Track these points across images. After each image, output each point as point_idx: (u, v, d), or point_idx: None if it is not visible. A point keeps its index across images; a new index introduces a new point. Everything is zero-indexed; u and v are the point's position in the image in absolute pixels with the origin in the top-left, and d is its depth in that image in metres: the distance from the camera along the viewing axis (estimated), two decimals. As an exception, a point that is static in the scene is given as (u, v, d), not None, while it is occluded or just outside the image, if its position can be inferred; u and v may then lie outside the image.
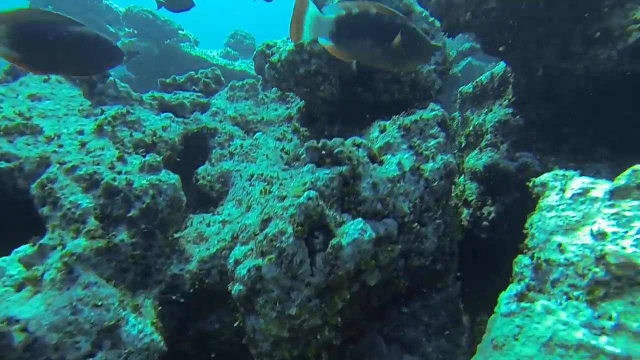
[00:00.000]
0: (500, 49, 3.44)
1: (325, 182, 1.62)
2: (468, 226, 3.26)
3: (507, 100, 3.63)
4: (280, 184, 2.21)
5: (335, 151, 1.69)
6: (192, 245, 2.35)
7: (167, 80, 3.69)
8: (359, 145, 1.78)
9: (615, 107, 2.97)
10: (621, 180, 1.50)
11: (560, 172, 1.78)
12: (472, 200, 3.27)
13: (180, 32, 8.54)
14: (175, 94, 3.32)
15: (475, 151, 3.45)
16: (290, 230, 1.53)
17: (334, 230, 1.58)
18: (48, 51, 1.70)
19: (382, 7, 1.70)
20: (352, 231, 1.56)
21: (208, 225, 2.43)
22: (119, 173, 2.13)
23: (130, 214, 2.01)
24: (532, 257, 1.55)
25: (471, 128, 4.03)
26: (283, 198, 1.69)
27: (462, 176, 3.60)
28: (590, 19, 2.98)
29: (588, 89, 2.99)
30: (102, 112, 2.68)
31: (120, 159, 2.23)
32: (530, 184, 1.82)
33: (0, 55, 1.64)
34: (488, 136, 3.48)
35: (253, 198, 2.38)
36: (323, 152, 1.71)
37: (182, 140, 2.91)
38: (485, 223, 3.13)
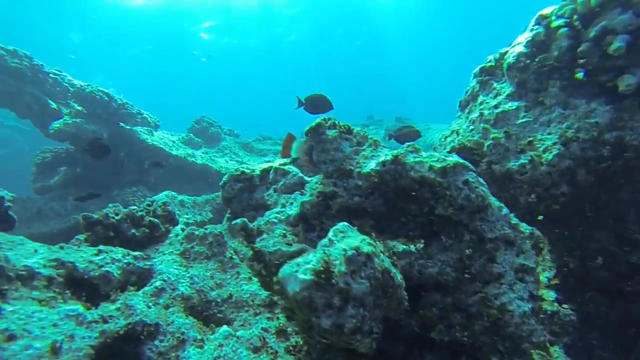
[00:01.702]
0: (539, 218, 2.76)
1: None
2: None
3: (546, 278, 2.88)
4: None
5: None
6: None
7: (95, 216, 2.57)
8: None
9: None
10: None
11: None
12: None
13: (138, 116, 7.58)
14: (99, 252, 2.21)
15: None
16: None
17: None
18: None
19: None
20: None
21: None
22: None
23: None
24: None
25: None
26: None
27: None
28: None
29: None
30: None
31: None
32: None
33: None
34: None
35: None
36: None
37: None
38: None
